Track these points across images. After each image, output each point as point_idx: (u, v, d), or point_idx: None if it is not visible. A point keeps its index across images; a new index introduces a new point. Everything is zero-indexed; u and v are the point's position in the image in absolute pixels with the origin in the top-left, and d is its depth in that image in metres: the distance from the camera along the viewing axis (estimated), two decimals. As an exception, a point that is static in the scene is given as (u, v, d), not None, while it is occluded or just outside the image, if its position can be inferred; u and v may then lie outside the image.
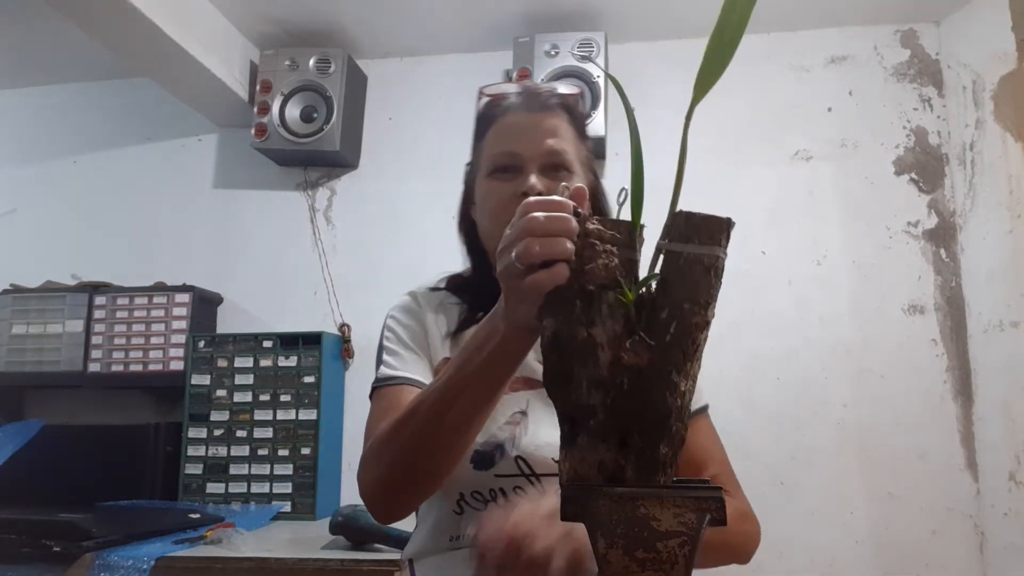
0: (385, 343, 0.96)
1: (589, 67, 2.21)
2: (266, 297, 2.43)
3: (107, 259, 2.50)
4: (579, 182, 0.97)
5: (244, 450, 2.06)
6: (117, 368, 2.23)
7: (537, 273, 0.58)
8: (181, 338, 2.22)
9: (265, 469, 2.04)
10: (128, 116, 2.64)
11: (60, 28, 2.20)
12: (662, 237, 0.60)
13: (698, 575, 0.59)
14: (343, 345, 2.28)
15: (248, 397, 2.09)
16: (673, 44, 2.38)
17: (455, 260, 1.09)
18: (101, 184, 2.61)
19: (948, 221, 2.19)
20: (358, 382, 2.27)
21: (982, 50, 2.09)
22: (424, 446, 0.74)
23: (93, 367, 2.23)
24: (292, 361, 2.10)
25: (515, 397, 0.92)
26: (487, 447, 0.87)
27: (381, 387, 0.91)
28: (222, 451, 2.06)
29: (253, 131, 2.32)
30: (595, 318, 0.59)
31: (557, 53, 2.23)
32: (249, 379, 2.11)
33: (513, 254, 0.60)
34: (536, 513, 0.68)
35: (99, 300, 2.27)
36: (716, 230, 0.59)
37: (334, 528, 1.62)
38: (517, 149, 0.94)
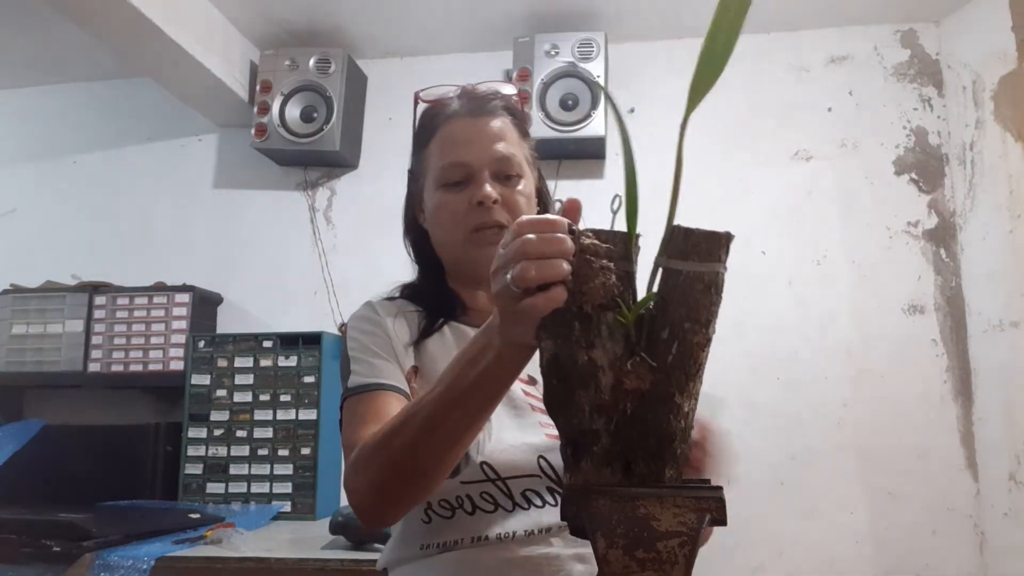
0: (352, 353, 0.94)
1: (589, 67, 2.21)
2: (266, 297, 2.43)
3: (107, 259, 2.50)
4: (528, 184, 0.98)
5: (244, 450, 2.06)
6: (117, 368, 2.23)
7: (534, 297, 0.57)
8: (181, 338, 2.22)
9: (265, 469, 2.04)
10: (128, 116, 2.64)
11: (60, 28, 2.19)
12: (660, 253, 0.59)
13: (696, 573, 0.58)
14: (342, 346, 2.28)
15: (248, 397, 2.09)
16: (673, 44, 2.38)
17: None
18: (101, 184, 2.61)
19: (948, 221, 2.19)
20: (358, 382, 2.27)
21: (982, 50, 2.09)
22: (416, 457, 0.74)
23: (93, 367, 2.23)
24: (292, 361, 2.10)
25: None
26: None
27: (353, 395, 0.90)
28: (222, 451, 2.06)
29: (253, 131, 2.32)
30: (595, 340, 0.58)
31: (557, 53, 2.23)
32: (249, 379, 2.10)
33: (508, 277, 0.58)
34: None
35: (99, 300, 2.27)
36: (716, 246, 0.58)
37: (334, 528, 1.62)
38: (467, 159, 0.93)
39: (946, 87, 2.24)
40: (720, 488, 0.58)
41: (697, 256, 0.57)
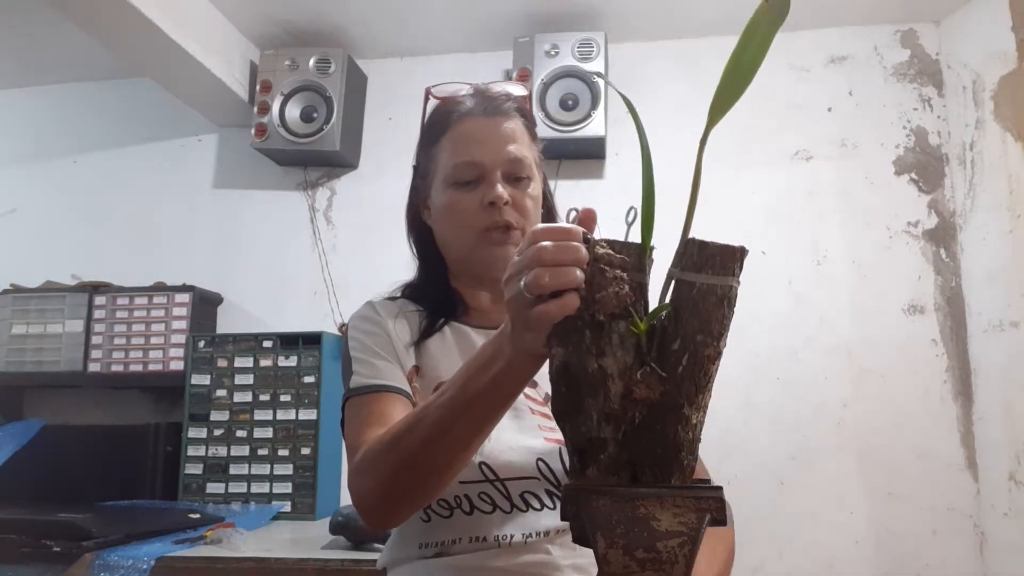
0: (353, 353, 0.94)
1: (589, 67, 2.21)
2: (266, 297, 2.43)
3: (107, 259, 2.50)
4: (537, 187, 0.98)
5: (244, 450, 2.06)
6: (117, 368, 2.23)
7: (547, 303, 0.57)
8: (181, 338, 2.22)
9: (265, 469, 2.04)
10: (128, 116, 2.63)
11: (60, 28, 2.19)
12: (674, 264, 0.59)
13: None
14: (342, 346, 2.28)
15: (248, 397, 2.09)
16: (673, 44, 2.38)
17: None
18: (101, 184, 2.61)
19: (948, 221, 2.19)
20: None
21: (982, 50, 2.09)
22: (424, 460, 0.74)
23: (93, 367, 2.23)
24: (292, 361, 2.10)
25: None
26: None
27: (356, 396, 0.90)
28: (222, 451, 2.06)
29: (253, 131, 2.32)
30: (605, 348, 0.58)
31: (557, 53, 2.23)
32: (249, 379, 2.10)
33: (522, 283, 0.58)
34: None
35: (99, 300, 2.27)
36: (730, 259, 0.58)
37: (334, 528, 1.62)
38: (479, 158, 0.93)
39: (946, 87, 2.24)
40: (720, 488, 0.58)
41: (711, 269, 0.58)
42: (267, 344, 2.12)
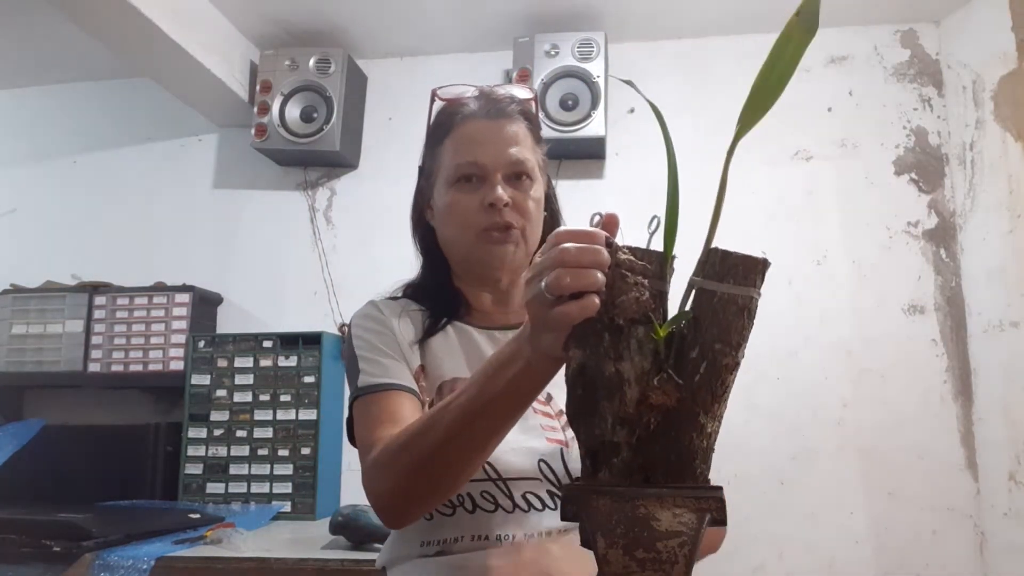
0: (358, 352, 0.94)
1: (589, 67, 2.21)
2: (266, 297, 2.43)
3: (107, 259, 2.50)
4: (539, 189, 0.98)
5: (244, 450, 2.06)
6: (117, 368, 2.23)
7: (567, 304, 0.58)
8: (181, 338, 2.22)
9: (265, 469, 2.04)
10: (128, 116, 2.63)
11: (60, 28, 2.19)
12: (695, 273, 0.59)
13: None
14: (343, 345, 2.28)
15: (248, 397, 2.09)
16: (673, 44, 2.38)
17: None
18: (101, 184, 2.61)
19: (948, 221, 2.19)
20: (358, 382, 2.27)
21: (982, 50, 2.09)
22: (442, 461, 0.74)
23: (93, 367, 2.23)
24: (292, 361, 2.10)
25: None
26: None
27: (365, 395, 0.90)
28: (222, 451, 2.06)
29: (253, 131, 2.32)
30: (623, 353, 0.58)
31: (557, 53, 2.23)
32: (249, 379, 2.10)
33: (543, 284, 0.59)
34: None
35: (99, 300, 2.27)
36: (752, 270, 0.58)
37: (334, 528, 1.62)
38: (481, 159, 0.94)
39: (946, 87, 2.24)
40: (720, 488, 0.58)
41: (733, 279, 0.58)
42: (267, 344, 2.12)
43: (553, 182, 1.06)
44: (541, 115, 2.18)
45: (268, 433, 2.06)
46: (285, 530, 1.85)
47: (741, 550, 2.06)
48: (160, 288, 2.30)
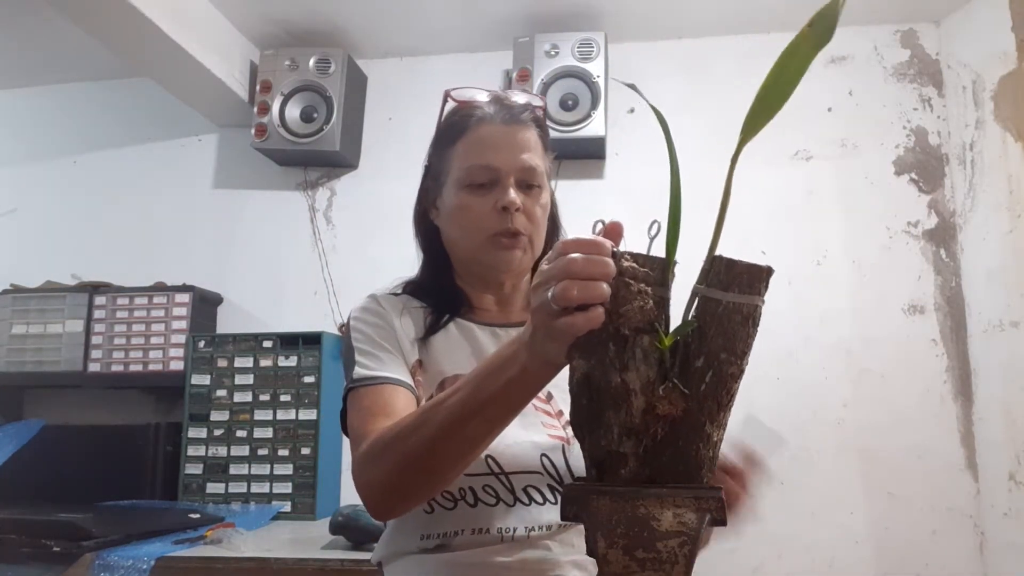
0: (356, 344, 0.95)
1: (589, 67, 2.21)
2: (266, 297, 2.43)
3: (107, 259, 2.50)
4: (547, 196, 0.99)
5: (244, 450, 2.06)
6: (117, 368, 2.23)
7: (573, 315, 0.58)
8: (181, 338, 2.22)
9: (265, 469, 2.04)
10: (128, 116, 2.63)
11: (60, 28, 2.19)
12: (699, 281, 0.59)
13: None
14: (343, 340, 2.28)
15: (248, 397, 2.09)
16: (673, 44, 2.38)
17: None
18: (101, 184, 2.61)
19: (948, 221, 2.19)
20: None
21: (982, 50, 2.09)
22: (432, 457, 0.75)
23: (93, 367, 2.23)
24: (292, 361, 2.10)
25: None
26: None
27: (360, 387, 0.90)
28: (222, 451, 2.06)
29: (253, 131, 2.32)
30: (628, 362, 0.58)
31: (557, 53, 2.23)
32: (249, 379, 2.10)
33: (550, 294, 0.59)
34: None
35: (99, 300, 2.27)
36: (756, 279, 0.58)
37: (334, 528, 1.62)
38: (495, 163, 0.94)
39: (946, 87, 2.24)
40: (720, 488, 0.58)
41: (738, 288, 0.58)
42: (267, 344, 2.12)
43: (552, 183, 1.06)
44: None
45: (268, 433, 2.06)
46: (285, 530, 1.85)
47: (741, 550, 2.06)
48: (160, 288, 2.30)
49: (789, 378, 2.16)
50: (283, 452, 2.04)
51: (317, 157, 2.40)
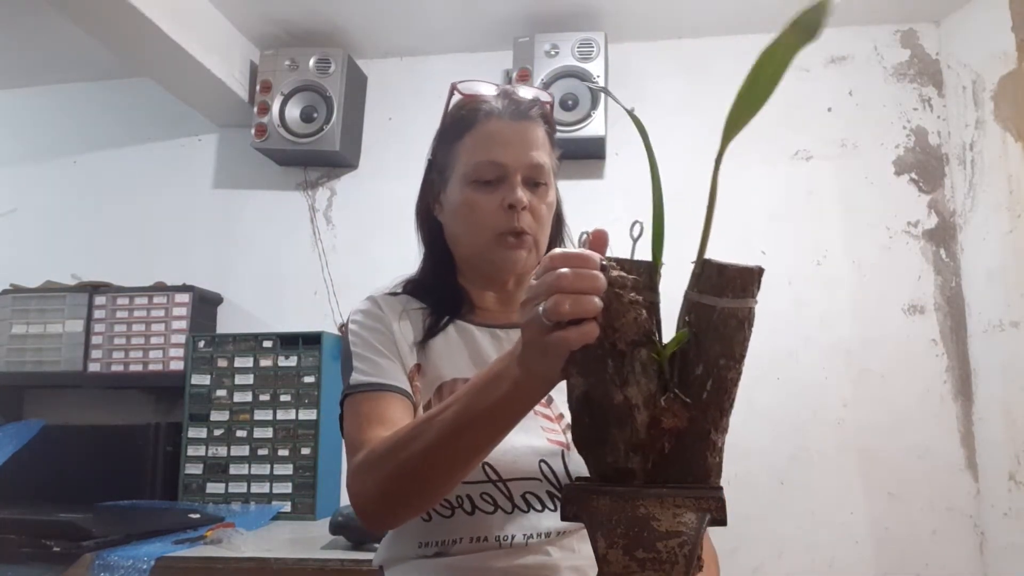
0: (354, 349, 0.93)
1: (589, 67, 2.21)
2: (266, 297, 2.43)
3: (107, 259, 2.50)
4: (552, 194, 0.99)
5: (244, 450, 2.06)
6: (117, 368, 2.23)
7: (567, 330, 0.57)
8: (181, 338, 2.22)
9: (265, 469, 2.04)
10: (128, 116, 2.63)
11: (60, 28, 2.20)
12: (691, 288, 0.58)
13: None
14: (342, 342, 2.28)
15: (248, 397, 2.09)
16: (673, 44, 2.38)
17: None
18: (101, 184, 2.61)
19: (948, 221, 2.19)
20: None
21: (982, 50, 2.08)
22: (425, 470, 0.74)
23: (93, 367, 2.23)
24: (292, 361, 2.10)
25: None
26: None
27: (356, 393, 0.90)
28: (222, 451, 2.06)
29: (253, 131, 2.32)
30: (628, 377, 0.58)
31: (557, 53, 2.23)
32: (249, 379, 2.10)
33: (541, 309, 0.58)
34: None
35: (99, 300, 2.27)
36: (749, 281, 0.58)
37: (334, 528, 1.62)
38: (503, 160, 0.93)
39: (946, 87, 2.24)
40: (720, 488, 0.58)
41: (732, 292, 0.57)
42: (267, 344, 2.12)
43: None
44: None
45: (268, 433, 2.06)
46: (285, 530, 1.85)
47: (741, 550, 2.06)
48: (160, 288, 2.30)
49: (789, 378, 2.16)
50: (283, 452, 2.04)
51: (317, 157, 2.40)
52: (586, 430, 0.60)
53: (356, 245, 2.41)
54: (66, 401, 2.41)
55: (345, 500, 2.12)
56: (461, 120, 0.97)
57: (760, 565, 2.09)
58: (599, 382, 0.58)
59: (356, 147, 2.46)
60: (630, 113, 0.61)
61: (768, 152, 2.28)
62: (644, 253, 0.61)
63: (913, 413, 2.10)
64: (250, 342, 2.13)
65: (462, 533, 0.86)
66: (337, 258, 2.42)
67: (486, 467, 0.86)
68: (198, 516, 1.81)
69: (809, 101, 2.29)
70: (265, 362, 2.11)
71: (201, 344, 2.15)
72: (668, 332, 0.60)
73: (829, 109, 2.29)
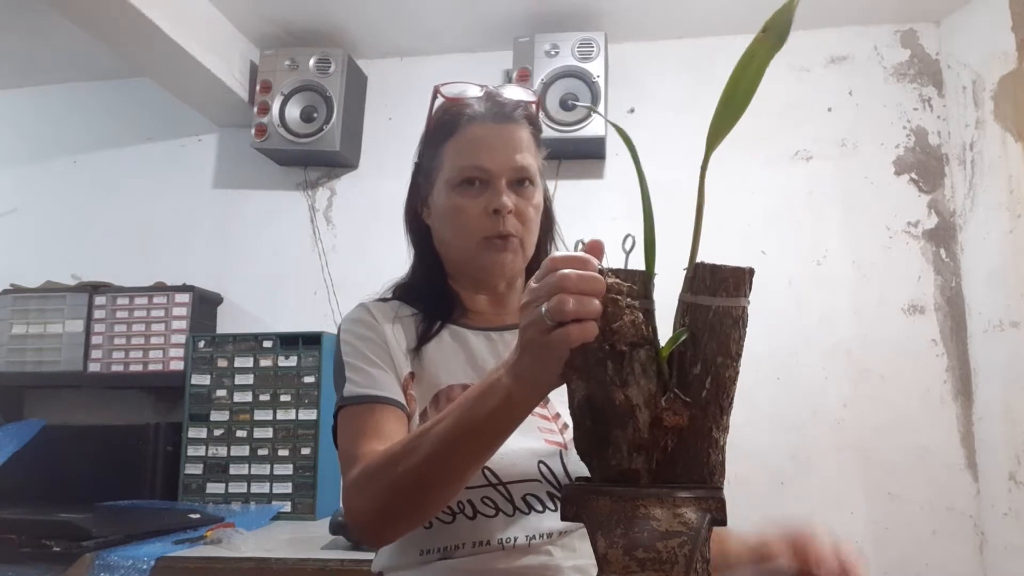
0: (346, 359, 0.93)
1: (589, 67, 2.21)
2: (266, 297, 2.43)
3: (107, 259, 2.50)
4: (539, 195, 0.98)
5: (244, 450, 2.05)
6: (117, 368, 2.23)
7: (568, 326, 0.57)
8: (181, 338, 2.22)
9: (265, 469, 2.04)
10: (128, 116, 2.63)
11: (60, 28, 2.19)
12: (685, 290, 0.60)
13: None
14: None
15: (248, 397, 2.09)
16: (673, 44, 2.38)
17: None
18: (101, 184, 2.61)
19: (948, 221, 2.19)
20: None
21: (982, 50, 2.08)
22: (420, 485, 0.74)
23: (93, 367, 2.23)
24: (292, 361, 2.10)
25: None
26: None
27: (350, 405, 0.89)
28: (222, 451, 2.06)
29: (253, 131, 2.32)
30: (628, 378, 0.58)
31: (557, 53, 2.23)
32: (249, 379, 2.10)
33: (543, 309, 0.59)
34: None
35: (99, 300, 2.27)
36: (741, 281, 0.59)
37: (334, 528, 1.62)
38: (487, 164, 0.93)
39: (946, 87, 2.24)
40: (720, 488, 0.58)
41: (725, 292, 0.59)
42: (267, 344, 2.12)
43: (552, 183, 1.06)
44: (541, 115, 2.18)
45: (268, 433, 2.06)
46: (285, 530, 1.85)
47: (741, 550, 2.06)
48: (160, 288, 2.30)
49: (789, 378, 2.16)
50: (283, 452, 2.04)
51: (317, 157, 2.40)
52: (588, 434, 0.61)
53: (356, 245, 2.41)
54: (66, 401, 2.41)
55: (345, 500, 2.12)
56: (445, 124, 0.98)
57: (760, 565, 2.09)
58: (600, 384, 0.59)
59: (356, 147, 2.46)
60: (619, 130, 0.62)
61: (768, 152, 2.28)
62: (636, 266, 0.62)
63: (913, 413, 2.10)
64: (250, 342, 2.13)
65: (464, 538, 0.86)
66: (337, 258, 2.42)
67: (486, 471, 0.86)
68: (198, 516, 1.81)
69: (809, 101, 2.29)
70: (265, 362, 2.11)
71: (201, 344, 2.15)
72: (664, 338, 0.61)
73: (829, 109, 2.29)
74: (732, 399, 0.59)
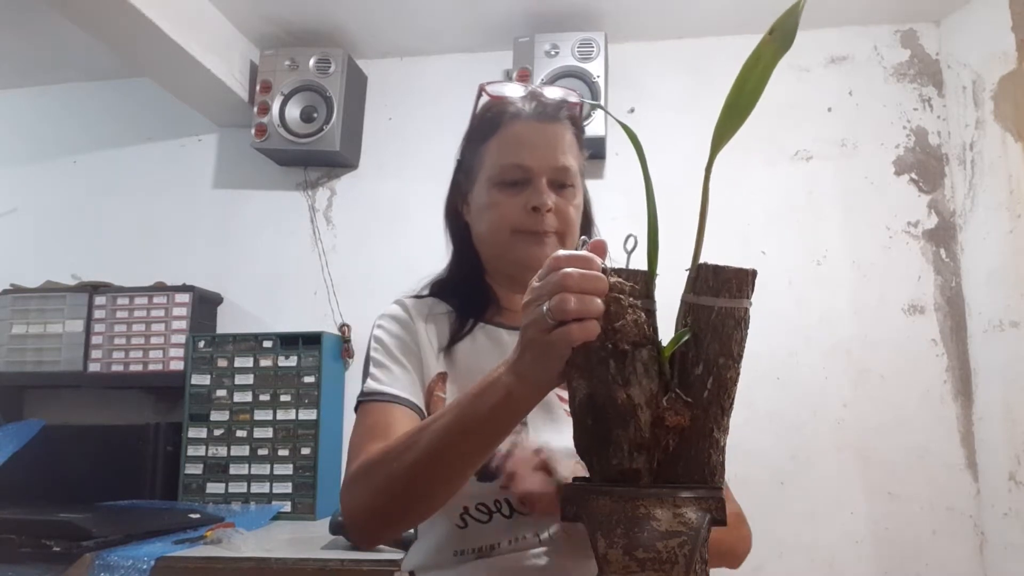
0: (373, 354, 0.93)
1: (589, 67, 2.21)
2: (266, 297, 2.43)
3: (107, 259, 2.50)
4: (580, 196, 0.98)
5: (244, 450, 2.06)
6: (117, 368, 2.23)
7: (570, 325, 0.57)
8: (181, 338, 2.22)
9: (265, 469, 2.04)
10: (128, 116, 2.63)
11: (60, 28, 2.19)
12: (688, 290, 0.60)
13: None
14: (343, 345, 2.28)
15: (248, 397, 2.09)
16: (673, 44, 2.38)
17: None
18: (101, 184, 2.61)
19: (948, 221, 2.19)
20: (358, 382, 2.26)
21: (982, 50, 2.08)
22: (415, 483, 0.73)
23: (93, 367, 2.23)
24: (292, 361, 2.10)
25: None
26: (490, 460, 0.84)
27: (367, 402, 0.89)
28: (222, 451, 2.06)
29: (253, 131, 2.32)
30: (630, 377, 0.58)
31: (557, 53, 2.23)
32: (249, 379, 2.10)
33: (545, 308, 0.58)
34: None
35: (99, 300, 2.27)
36: (744, 282, 0.60)
37: (334, 528, 1.62)
38: (529, 163, 0.93)
39: (946, 87, 2.24)
40: (720, 488, 0.58)
41: (728, 292, 0.59)
42: (267, 344, 2.12)
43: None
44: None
45: (268, 433, 2.06)
46: (285, 530, 1.85)
47: (741, 550, 2.06)
48: (160, 288, 2.30)
49: (789, 378, 2.16)
50: (283, 452, 2.04)
51: (317, 157, 2.40)
52: (589, 433, 0.61)
53: (356, 245, 2.41)
54: (66, 401, 2.41)
55: (345, 500, 2.12)
56: (488, 122, 0.97)
57: (760, 565, 2.09)
58: (601, 383, 0.59)
59: (356, 147, 2.46)
60: (628, 132, 0.62)
61: (768, 152, 2.28)
62: (638, 267, 0.62)
63: (913, 413, 2.10)
64: (250, 342, 2.13)
65: (501, 537, 0.84)
66: (337, 258, 2.42)
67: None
68: (198, 516, 1.81)
69: (809, 101, 2.29)
70: (265, 362, 2.11)
71: (201, 344, 2.15)
72: (665, 339, 0.61)
73: (829, 109, 2.29)
74: (733, 400, 0.60)
